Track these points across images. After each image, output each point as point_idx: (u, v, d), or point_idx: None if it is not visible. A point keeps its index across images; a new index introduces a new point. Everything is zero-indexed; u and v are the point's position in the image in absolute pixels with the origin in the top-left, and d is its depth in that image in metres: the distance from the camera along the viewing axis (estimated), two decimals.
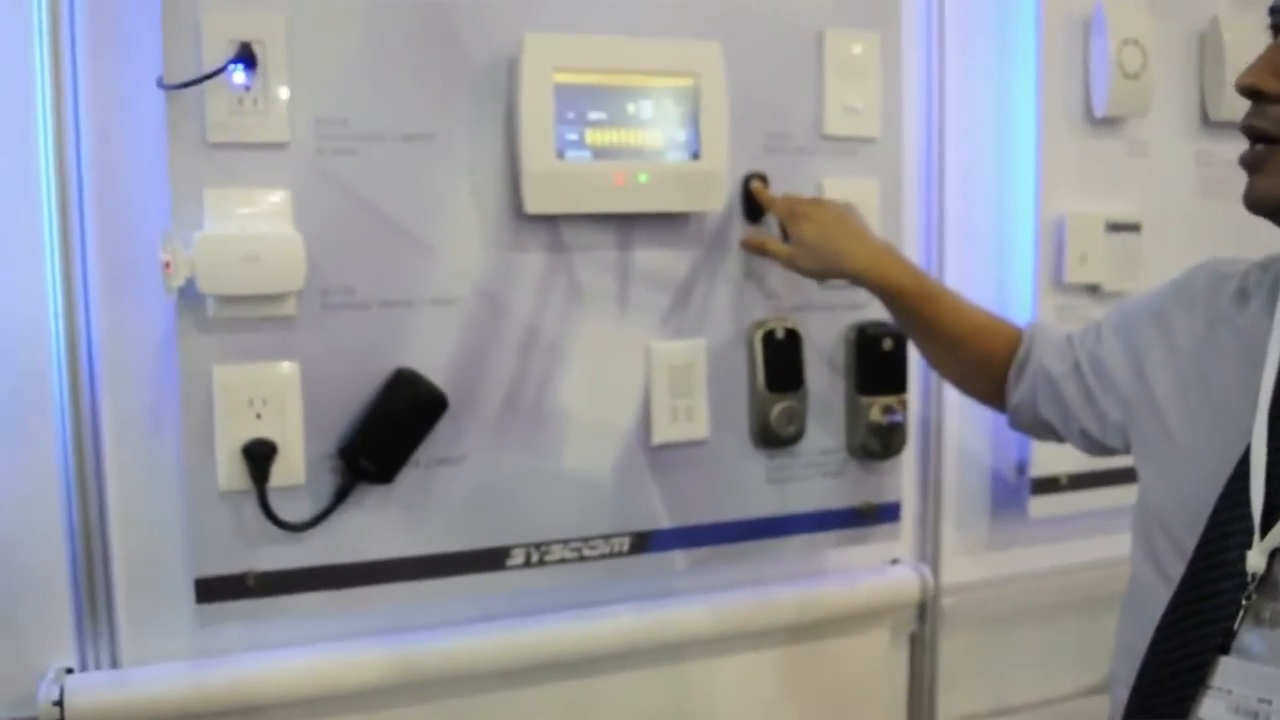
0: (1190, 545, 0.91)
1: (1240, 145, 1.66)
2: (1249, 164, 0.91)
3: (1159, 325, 1.06)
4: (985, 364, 1.24)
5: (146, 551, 1.25)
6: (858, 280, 1.27)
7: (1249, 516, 0.87)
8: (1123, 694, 0.96)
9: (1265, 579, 0.85)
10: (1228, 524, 0.88)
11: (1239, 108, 1.67)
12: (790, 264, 1.31)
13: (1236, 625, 0.85)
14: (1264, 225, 0.93)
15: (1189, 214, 1.70)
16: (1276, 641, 0.84)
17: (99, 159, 1.20)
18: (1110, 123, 1.63)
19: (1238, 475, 0.89)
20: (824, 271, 1.30)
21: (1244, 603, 0.85)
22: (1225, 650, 0.86)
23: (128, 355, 1.23)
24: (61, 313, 1.20)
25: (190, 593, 1.22)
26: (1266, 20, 0.92)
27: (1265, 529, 0.86)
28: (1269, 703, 0.82)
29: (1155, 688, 0.90)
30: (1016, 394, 1.22)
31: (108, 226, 1.21)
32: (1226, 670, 0.85)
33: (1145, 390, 1.05)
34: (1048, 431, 1.22)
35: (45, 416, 1.21)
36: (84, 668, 1.24)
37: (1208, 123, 1.72)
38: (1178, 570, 0.92)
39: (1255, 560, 0.85)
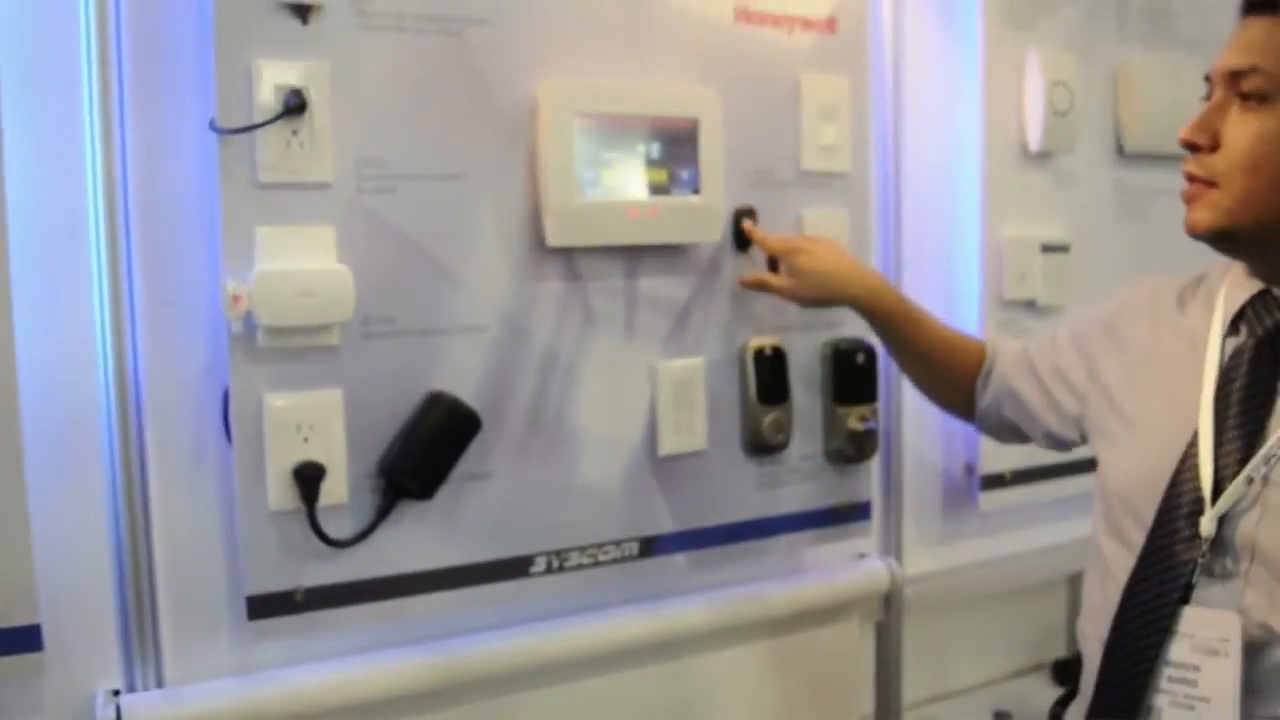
0: (1149, 515, 1.08)
1: (1150, 175, 1.89)
2: (1187, 199, 1.08)
3: (1108, 333, 1.26)
4: (957, 377, 1.42)
5: (190, 574, 1.30)
6: (854, 305, 1.42)
7: (1200, 488, 1.05)
8: (1093, 648, 1.13)
9: (1216, 540, 1.03)
10: (1181, 495, 1.06)
11: (1150, 141, 1.90)
12: (791, 296, 1.45)
13: (1194, 579, 1.03)
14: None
15: (1109, 236, 1.91)
16: (1227, 591, 1.02)
17: (145, 198, 1.25)
18: (1043, 156, 1.83)
19: (1188, 454, 1.07)
20: (823, 299, 1.45)
21: (1199, 560, 1.03)
22: (1186, 601, 1.03)
23: (172, 387, 1.28)
24: (110, 346, 1.24)
25: (230, 611, 1.29)
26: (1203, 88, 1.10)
27: (1215, 498, 1.03)
28: (1226, 640, 1.00)
29: (1128, 637, 1.07)
30: (983, 400, 1.39)
31: (153, 263, 1.26)
32: (1188, 618, 1.03)
33: (1099, 386, 1.23)
34: (1012, 433, 1.40)
35: (93, 445, 1.25)
36: (130, 689, 1.28)
37: (1123, 155, 1.93)
38: (1138, 538, 1.09)
39: (1207, 526, 1.03)
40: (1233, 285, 1.12)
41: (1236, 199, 1.03)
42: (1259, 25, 1.03)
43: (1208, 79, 1.08)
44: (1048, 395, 1.32)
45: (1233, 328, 1.10)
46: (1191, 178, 1.07)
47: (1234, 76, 1.04)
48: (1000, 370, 1.39)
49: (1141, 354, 1.20)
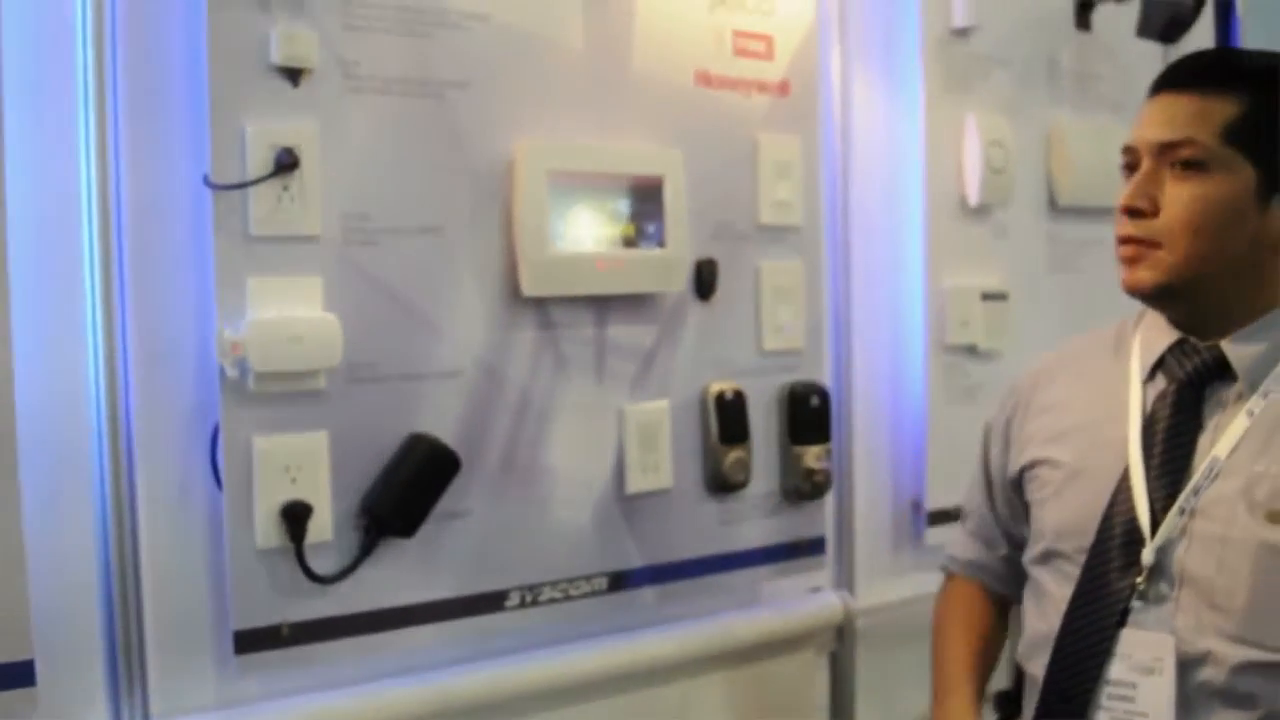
0: (1083, 547, 1.18)
1: (1080, 227, 2.02)
2: (1129, 259, 1.17)
3: (1022, 407, 1.34)
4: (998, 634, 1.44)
5: (176, 609, 1.33)
6: None
7: (1132, 521, 1.14)
8: (1035, 670, 1.22)
9: (1150, 567, 1.12)
10: (1114, 528, 1.16)
11: (1080, 196, 2.02)
12: None
13: (1130, 604, 1.13)
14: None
15: (1044, 284, 2.03)
16: (1161, 615, 1.12)
17: (139, 247, 1.29)
18: (981, 210, 1.95)
19: (1119, 490, 1.17)
20: None
21: (1136, 587, 1.12)
22: (1123, 624, 1.13)
23: (161, 428, 1.32)
24: (103, 388, 1.28)
25: (216, 645, 1.33)
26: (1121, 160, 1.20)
27: (1154, 531, 1.13)
28: (1161, 660, 1.10)
29: (1070, 659, 1.17)
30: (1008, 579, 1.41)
31: (146, 309, 1.30)
32: (1126, 640, 1.13)
33: (1025, 439, 1.32)
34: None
35: (85, 484, 1.29)
36: None
37: (1055, 208, 2.07)
38: (1073, 569, 1.19)
39: (1149, 556, 1.13)
40: (1148, 336, 1.23)
41: (1180, 257, 1.13)
42: (1184, 100, 1.13)
43: (1129, 150, 1.18)
44: (1013, 513, 1.37)
45: (1150, 375, 1.21)
46: (1133, 240, 1.16)
47: (1166, 148, 1.13)
48: (977, 561, 1.43)
49: (1063, 407, 1.29)
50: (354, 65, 1.35)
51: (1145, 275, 1.15)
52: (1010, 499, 1.36)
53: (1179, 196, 1.13)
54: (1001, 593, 1.42)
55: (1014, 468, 1.34)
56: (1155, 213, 1.14)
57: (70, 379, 1.29)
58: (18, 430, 1.20)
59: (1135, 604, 1.13)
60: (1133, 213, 1.15)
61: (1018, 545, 1.36)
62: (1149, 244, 1.15)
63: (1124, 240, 1.17)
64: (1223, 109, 1.11)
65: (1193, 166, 1.12)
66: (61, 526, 1.28)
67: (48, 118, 1.26)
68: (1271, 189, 1.12)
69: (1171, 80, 1.17)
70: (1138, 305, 1.24)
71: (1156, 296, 1.18)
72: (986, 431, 1.41)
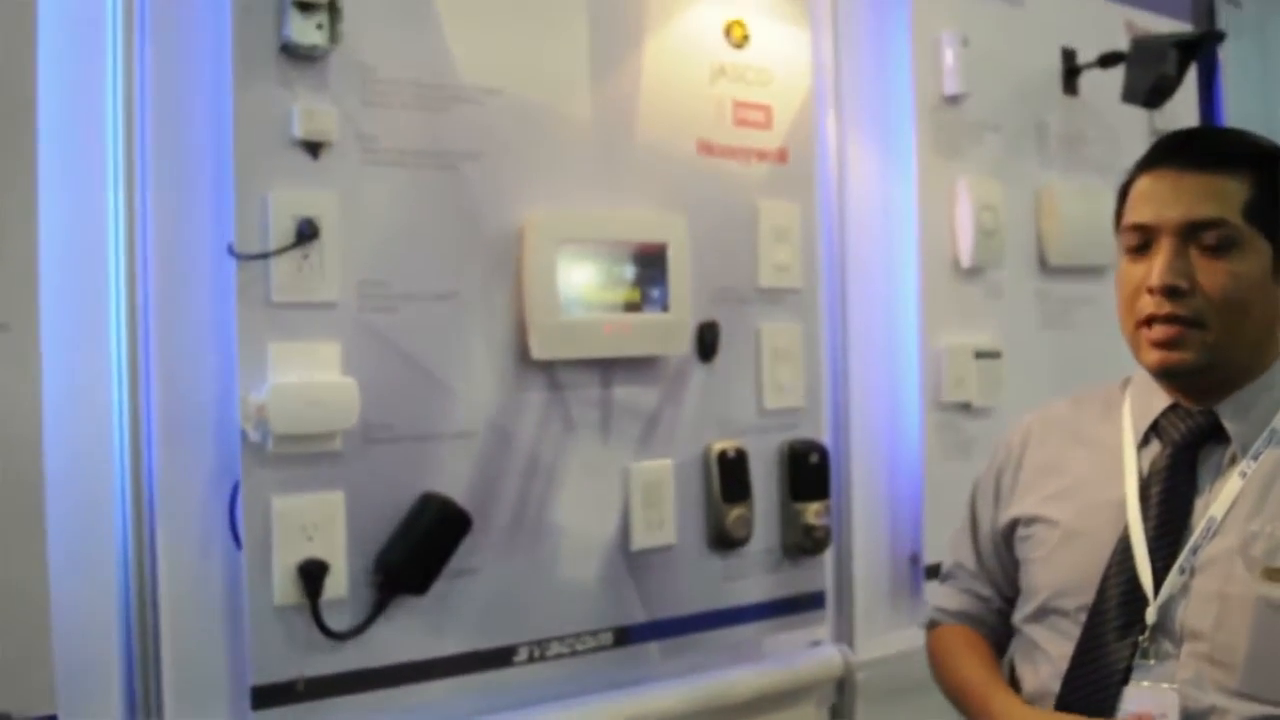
0: (1081, 607, 1.20)
1: (1070, 286, 2.05)
2: (1169, 341, 1.15)
3: (1014, 467, 1.36)
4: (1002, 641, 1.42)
5: (195, 665, 1.37)
6: None
7: (1137, 583, 1.17)
8: None
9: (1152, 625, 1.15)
10: (1113, 588, 1.19)
11: (1069, 256, 2.07)
12: None
13: (1133, 662, 1.15)
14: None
15: (1036, 341, 2.09)
16: (1163, 671, 1.14)
17: (163, 312, 1.35)
18: (974, 271, 2.01)
19: (1118, 551, 1.20)
20: None
21: (1138, 644, 1.15)
22: (1125, 681, 1.15)
23: (182, 488, 1.37)
24: (127, 449, 1.33)
25: (233, 701, 1.37)
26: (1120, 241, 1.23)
27: (1156, 590, 1.16)
28: (1165, 715, 1.12)
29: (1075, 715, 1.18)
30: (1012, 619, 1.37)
31: (168, 373, 1.36)
32: (1129, 696, 1.15)
33: (1014, 503, 1.34)
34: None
35: (107, 542, 1.33)
36: None
37: (1046, 268, 2.13)
38: (1071, 626, 1.21)
39: (1152, 615, 1.15)
40: (1138, 401, 1.26)
41: (1222, 336, 1.15)
42: (1203, 180, 1.15)
43: (1142, 229, 1.18)
44: (1002, 566, 1.38)
45: (1145, 439, 1.25)
46: (1177, 319, 1.15)
47: (1195, 227, 1.14)
48: (967, 610, 1.41)
49: (1054, 471, 1.31)
50: (372, 139, 1.42)
51: (1189, 355, 1.15)
52: (999, 552, 1.38)
53: (1216, 275, 1.14)
54: (991, 640, 1.40)
55: (1003, 521, 1.35)
56: (1194, 291, 1.14)
57: (96, 440, 1.34)
58: (46, 489, 1.24)
59: (1137, 661, 1.16)
60: (1174, 292, 1.15)
61: (1006, 599, 1.38)
62: (1192, 323, 1.15)
63: (1165, 319, 1.16)
64: (1241, 189, 1.15)
65: (1225, 246, 1.14)
66: (85, 583, 1.32)
67: (79, 190, 1.32)
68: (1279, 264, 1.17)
69: (1177, 158, 1.19)
70: (1127, 359, 1.25)
71: (1193, 374, 1.18)
72: (975, 487, 1.43)
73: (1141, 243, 1.19)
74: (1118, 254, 1.24)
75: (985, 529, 1.40)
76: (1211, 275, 1.14)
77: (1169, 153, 1.20)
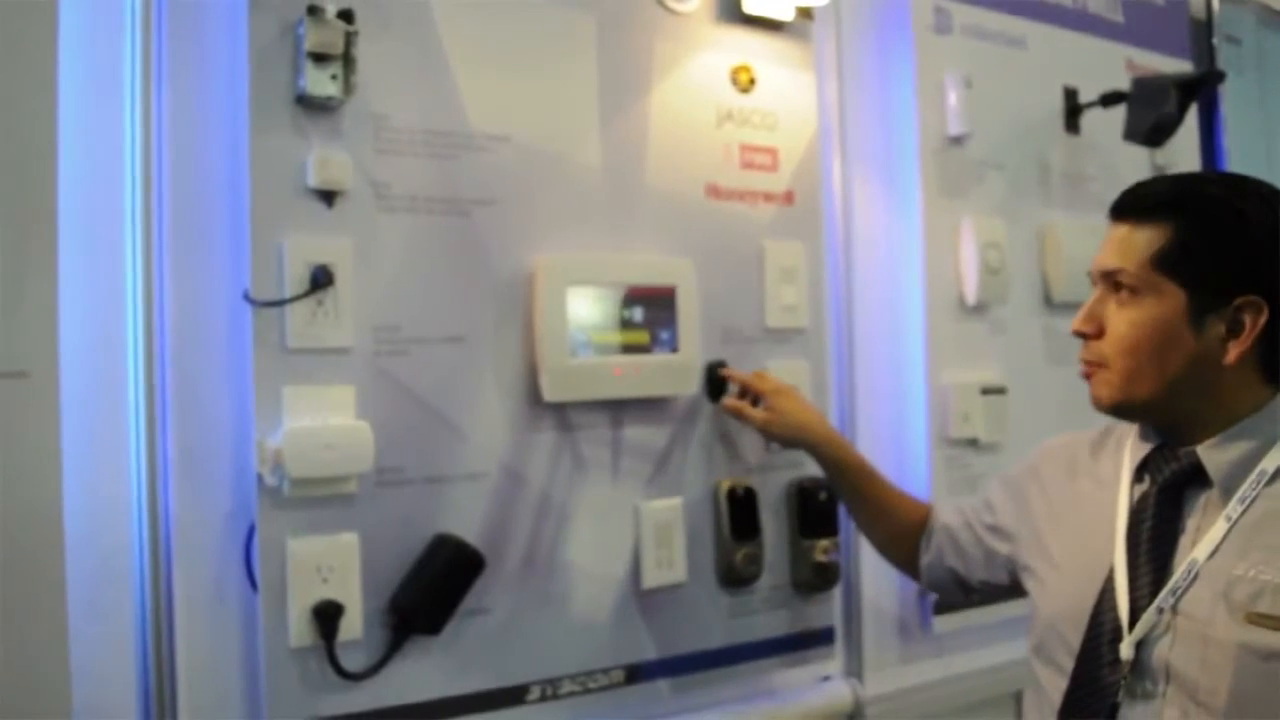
0: (1076, 642, 1.23)
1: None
2: (1085, 377, 1.28)
3: (1034, 477, 1.43)
4: (903, 531, 1.60)
5: (210, 707, 1.39)
6: (816, 450, 1.59)
7: (1118, 618, 1.20)
8: None
9: (1136, 664, 1.18)
10: (1103, 624, 1.21)
11: (1074, 292, 2.10)
12: (763, 427, 1.62)
13: (1119, 699, 1.18)
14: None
15: (1041, 378, 2.10)
16: (1149, 710, 1.16)
17: (179, 357, 1.38)
18: (979, 308, 2.03)
19: (1106, 587, 1.23)
20: (790, 438, 1.62)
21: (1122, 682, 1.18)
22: (1113, 719, 1.17)
23: (198, 531, 1.39)
24: (144, 493, 1.35)
25: None
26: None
27: (1131, 626, 1.18)
28: None
29: None
30: (926, 556, 1.57)
31: (185, 418, 1.38)
32: None
33: (1029, 526, 1.40)
34: (953, 583, 1.56)
35: (124, 585, 1.35)
36: None
37: (1050, 304, 2.15)
38: (1067, 662, 1.24)
39: (1126, 650, 1.18)
40: (1136, 439, 1.30)
41: (1122, 376, 1.22)
42: (1123, 230, 1.23)
43: (1090, 275, 1.28)
44: (982, 545, 1.49)
45: (1137, 476, 1.28)
46: (1084, 360, 1.27)
47: (1107, 275, 1.24)
48: (942, 524, 1.56)
49: (1060, 498, 1.37)
50: (385, 186, 1.44)
51: (1102, 392, 1.25)
52: (985, 543, 1.48)
53: (1118, 321, 1.22)
54: (929, 524, 1.57)
55: (1007, 519, 1.44)
56: (1099, 335, 1.24)
57: (113, 484, 1.36)
58: (65, 533, 1.26)
59: (1123, 699, 1.18)
60: (1081, 335, 1.27)
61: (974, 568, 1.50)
62: (1096, 364, 1.25)
63: (1081, 360, 1.28)
64: (1154, 239, 1.20)
65: (1129, 292, 1.22)
66: (103, 626, 1.34)
67: (97, 238, 1.35)
68: (1204, 310, 1.19)
69: (1116, 209, 1.27)
70: None
71: (1113, 412, 1.27)
72: (1002, 479, 1.51)
73: (1094, 286, 1.28)
74: None
75: (987, 518, 1.49)
76: (1114, 320, 1.23)
77: (1114, 205, 1.28)
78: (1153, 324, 1.20)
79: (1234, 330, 1.19)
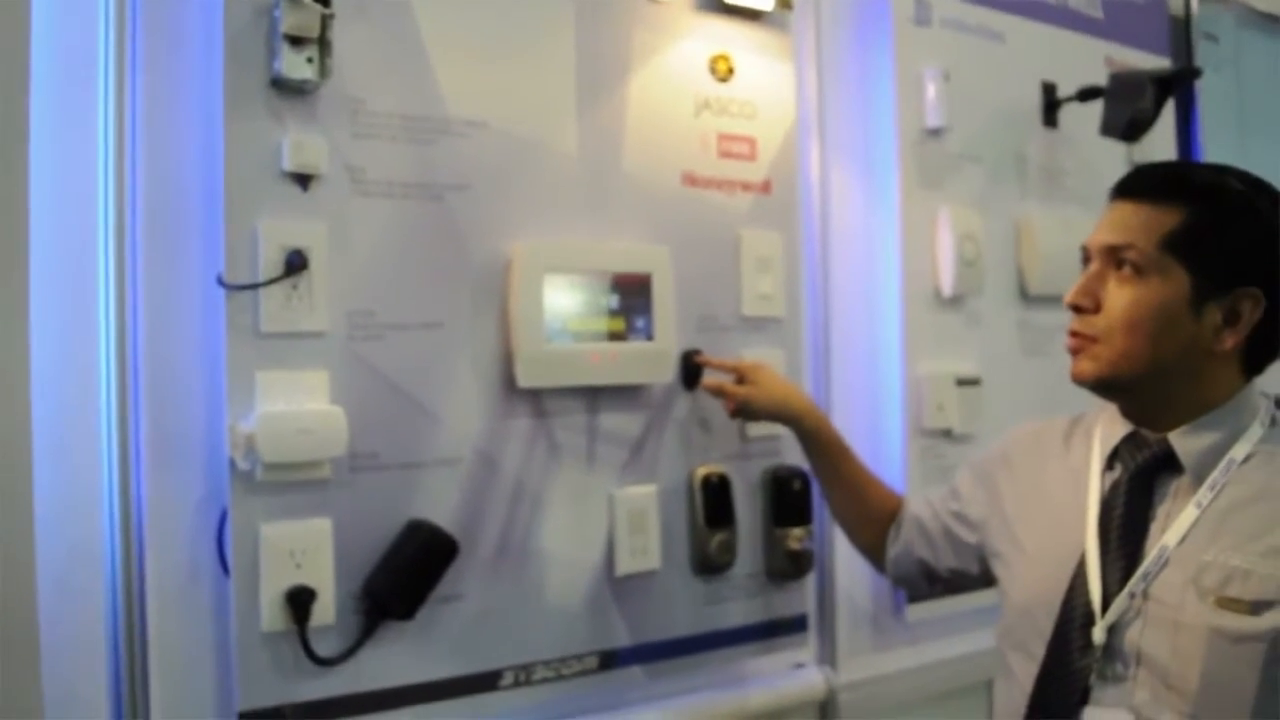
0: (1047, 628, 1.25)
1: (1050, 315, 2.11)
2: (1073, 351, 1.28)
3: (1004, 465, 1.45)
4: (874, 517, 1.62)
5: (182, 691, 1.37)
6: (797, 424, 1.60)
7: (1090, 603, 1.21)
8: None
9: (1108, 647, 1.20)
10: (1074, 610, 1.23)
11: (1049, 285, 2.11)
12: (744, 402, 1.62)
13: (1091, 683, 1.20)
14: (1066, 376, 1.30)
15: (1016, 370, 2.12)
16: (1120, 692, 1.19)
17: (152, 343, 1.37)
18: (955, 300, 2.04)
19: (1077, 573, 1.25)
20: (772, 411, 1.62)
21: (1094, 665, 1.19)
22: (1085, 702, 1.19)
23: (171, 516, 1.38)
24: (116, 478, 1.35)
25: None
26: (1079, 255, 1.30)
27: (1104, 611, 1.20)
28: None
29: None
30: (895, 547, 1.59)
31: (157, 402, 1.37)
32: (1088, 717, 1.19)
33: (999, 514, 1.41)
34: (920, 575, 1.58)
35: (96, 570, 1.35)
36: None
37: (1026, 297, 2.16)
38: (1039, 648, 1.26)
39: (1099, 635, 1.20)
40: (1106, 426, 1.32)
41: (1117, 353, 1.23)
42: (1134, 208, 1.23)
43: (1084, 249, 1.29)
44: (950, 534, 1.51)
45: (1108, 463, 1.29)
46: (1077, 334, 1.27)
47: (1112, 251, 1.24)
48: (912, 515, 1.57)
49: (1031, 485, 1.39)
50: (360, 171, 1.44)
51: (1087, 367, 1.26)
52: (951, 532, 1.50)
53: (1119, 297, 1.23)
54: (900, 518, 1.58)
55: (975, 510, 1.46)
56: (1097, 310, 1.24)
57: (85, 468, 1.35)
58: (35, 517, 1.26)
59: (1095, 683, 1.20)
60: (1076, 309, 1.26)
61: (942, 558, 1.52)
62: (1089, 338, 1.25)
63: (1070, 333, 1.28)
64: (1167, 220, 1.21)
65: (1133, 270, 1.22)
66: (74, 610, 1.34)
67: (70, 220, 1.35)
68: (1205, 296, 1.21)
69: (1126, 189, 1.27)
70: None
71: (1096, 387, 1.28)
72: (968, 467, 1.53)
73: (1085, 261, 1.28)
74: None
75: (953, 505, 1.51)
76: (1115, 296, 1.23)
77: (1120, 185, 1.28)
78: (1155, 304, 1.21)
79: (1230, 320, 1.21)
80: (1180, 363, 1.22)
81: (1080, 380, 1.27)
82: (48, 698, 1.26)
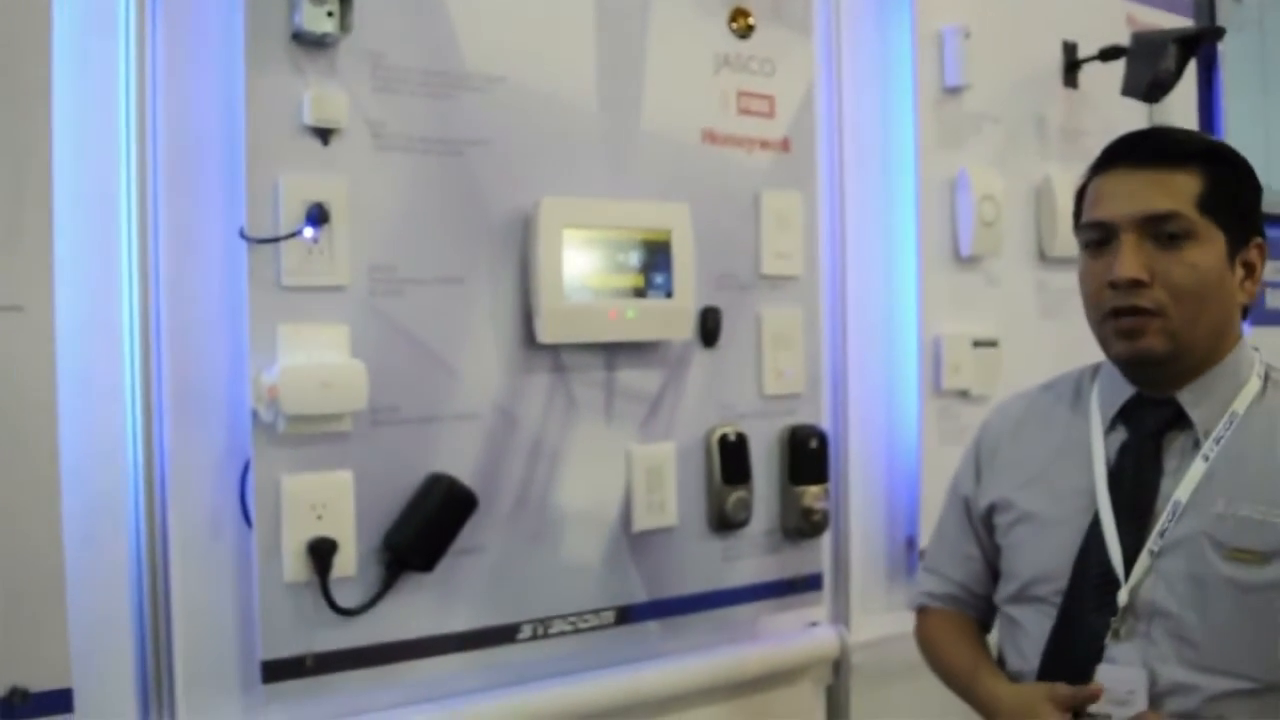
0: (1059, 588, 1.25)
1: (1069, 277, 2.08)
2: (1133, 330, 1.19)
3: (991, 444, 1.40)
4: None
5: (205, 641, 1.40)
6: None
7: (1109, 564, 1.21)
8: None
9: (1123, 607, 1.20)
10: (1089, 570, 1.23)
11: (1068, 247, 2.09)
12: None
13: (1106, 642, 1.20)
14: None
15: (1033, 331, 2.11)
16: (1131, 650, 1.19)
17: (174, 296, 1.38)
18: (973, 260, 2.03)
19: (1090, 534, 1.24)
20: None
21: (1111, 624, 1.19)
22: (1099, 659, 1.20)
23: (194, 468, 1.40)
24: (140, 431, 1.36)
25: (243, 675, 1.41)
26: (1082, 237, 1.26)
27: (1126, 573, 1.20)
28: (1134, 692, 1.17)
29: None
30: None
31: (180, 355, 1.38)
32: (1102, 674, 1.19)
33: (998, 488, 1.36)
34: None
35: (121, 522, 1.36)
36: None
37: (1044, 259, 2.15)
38: (1049, 609, 1.25)
39: (1124, 597, 1.20)
40: (1105, 390, 1.30)
41: (1183, 324, 1.19)
42: (1155, 176, 1.19)
43: (1099, 226, 1.22)
44: (986, 555, 1.41)
45: (1111, 426, 1.28)
46: (1138, 310, 1.19)
47: (1151, 221, 1.18)
48: (964, 589, 1.44)
49: (1028, 458, 1.35)
50: (381, 125, 1.44)
51: (1155, 342, 1.19)
52: (980, 535, 1.40)
53: (1174, 266, 1.18)
54: (980, 620, 1.44)
55: (983, 504, 1.38)
56: (1153, 283, 1.18)
57: (109, 420, 1.36)
58: (60, 468, 1.27)
59: (1109, 640, 1.20)
60: (1136, 284, 1.19)
61: (990, 580, 1.40)
62: (1154, 313, 1.19)
63: (1126, 312, 1.20)
64: (1193, 182, 1.19)
65: (1180, 237, 1.18)
66: (99, 561, 1.35)
67: (92, 174, 1.35)
68: (1234, 252, 1.21)
69: (1130, 158, 1.22)
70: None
71: (1159, 363, 1.21)
72: (955, 474, 1.45)
73: (1101, 239, 1.23)
74: (1079, 253, 1.27)
75: (966, 511, 1.43)
76: (1170, 266, 1.18)
77: (1122, 153, 1.24)
78: (1209, 267, 1.19)
79: (1249, 271, 1.22)
80: (1223, 321, 1.22)
81: (1148, 358, 1.20)
82: (74, 645, 1.28)
